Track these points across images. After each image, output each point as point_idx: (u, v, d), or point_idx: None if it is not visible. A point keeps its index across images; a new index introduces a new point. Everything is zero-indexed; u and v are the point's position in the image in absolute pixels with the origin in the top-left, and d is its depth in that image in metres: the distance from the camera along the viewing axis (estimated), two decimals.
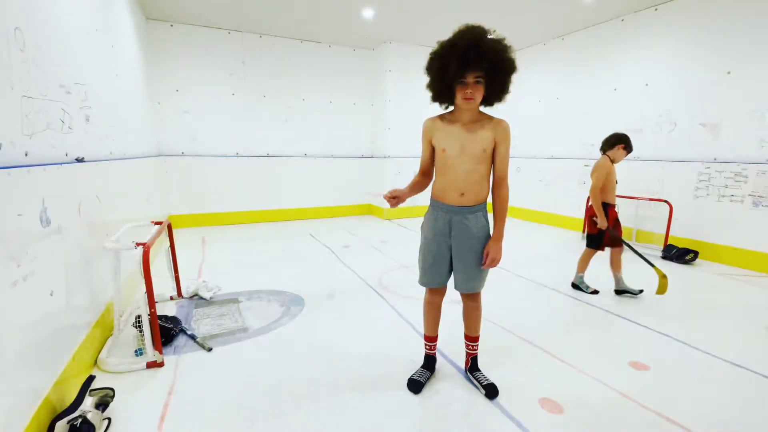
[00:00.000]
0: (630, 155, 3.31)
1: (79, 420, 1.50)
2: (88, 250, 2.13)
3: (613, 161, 3.08)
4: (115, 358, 2.09)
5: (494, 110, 1.72)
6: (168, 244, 2.96)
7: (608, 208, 3.08)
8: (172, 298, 3.01)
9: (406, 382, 1.93)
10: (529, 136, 6.54)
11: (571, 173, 5.85)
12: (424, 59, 1.71)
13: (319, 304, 2.95)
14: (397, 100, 6.54)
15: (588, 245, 3.20)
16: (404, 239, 5.27)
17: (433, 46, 1.64)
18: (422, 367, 2.00)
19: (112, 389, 1.74)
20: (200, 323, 2.62)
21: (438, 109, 1.80)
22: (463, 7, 4.82)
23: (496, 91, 1.63)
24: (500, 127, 1.69)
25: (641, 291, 3.13)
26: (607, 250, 3.16)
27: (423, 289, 1.97)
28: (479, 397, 1.85)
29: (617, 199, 3.26)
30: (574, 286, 3.30)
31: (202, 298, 3.03)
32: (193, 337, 2.39)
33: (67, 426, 1.50)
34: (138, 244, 2.11)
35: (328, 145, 6.76)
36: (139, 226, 2.70)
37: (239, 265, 3.96)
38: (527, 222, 6.61)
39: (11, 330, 1.35)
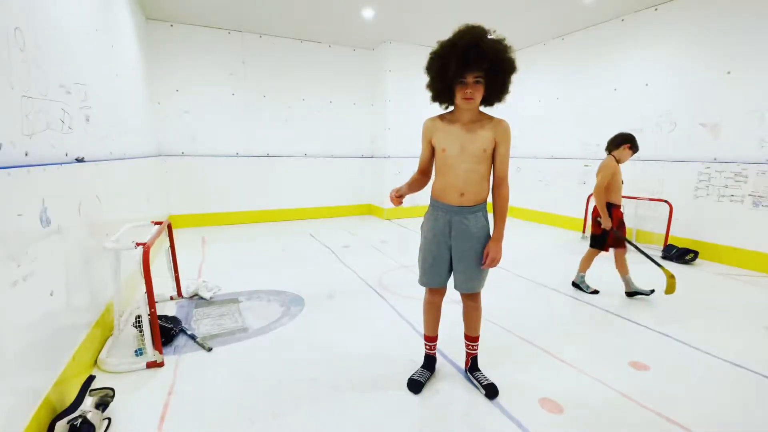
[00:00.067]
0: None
1: (79, 420, 1.50)
2: (88, 250, 2.13)
3: (618, 161, 3.03)
4: (115, 358, 2.09)
5: (494, 110, 1.72)
6: (168, 244, 2.96)
7: (613, 208, 3.03)
8: (172, 298, 3.01)
9: (406, 382, 1.93)
10: (529, 136, 6.54)
11: (571, 173, 5.85)
12: (424, 59, 1.72)
13: (319, 304, 2.95)
14: (397, 100, 6.54)
15: (591, 245, 3.18)
16: (404, 239, 5.27)
17: (433, 46, 1.64)
18: (422, 367, 2.00)
19: (112, 389, 1.74)
20: (200, 323, 2.62)
21: (438, 109, 1.80)
22: (463, 7, 4.82)
23: (495, 91, 1.63)
24: (500, 127, 1.69)
25: (653, 291, 3.08)
26: (611, 251, 3.12)
27: (423, 289, 1.97)
28: (479, 397, 1.85)
29: (623, 200, 3.22)
30: (575, 285, 3.30)
31: (202, 298, 3.03)
32: (193, 337, 2.39)
33: (67, 426, 1.50)
34: (138, 244, 2.11)
35: (328, 145, 6.76)
36: (139, 226, 2.70)
37: (239, 265, 3.96)
38: (527, 222, 6.61)
39: (11, 330, 1.35)
